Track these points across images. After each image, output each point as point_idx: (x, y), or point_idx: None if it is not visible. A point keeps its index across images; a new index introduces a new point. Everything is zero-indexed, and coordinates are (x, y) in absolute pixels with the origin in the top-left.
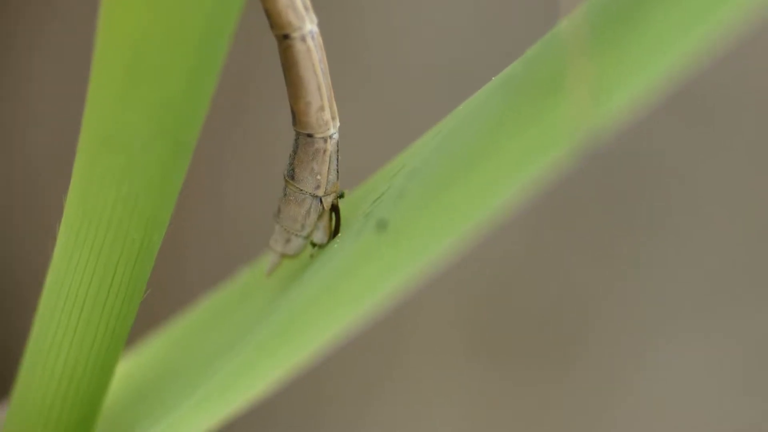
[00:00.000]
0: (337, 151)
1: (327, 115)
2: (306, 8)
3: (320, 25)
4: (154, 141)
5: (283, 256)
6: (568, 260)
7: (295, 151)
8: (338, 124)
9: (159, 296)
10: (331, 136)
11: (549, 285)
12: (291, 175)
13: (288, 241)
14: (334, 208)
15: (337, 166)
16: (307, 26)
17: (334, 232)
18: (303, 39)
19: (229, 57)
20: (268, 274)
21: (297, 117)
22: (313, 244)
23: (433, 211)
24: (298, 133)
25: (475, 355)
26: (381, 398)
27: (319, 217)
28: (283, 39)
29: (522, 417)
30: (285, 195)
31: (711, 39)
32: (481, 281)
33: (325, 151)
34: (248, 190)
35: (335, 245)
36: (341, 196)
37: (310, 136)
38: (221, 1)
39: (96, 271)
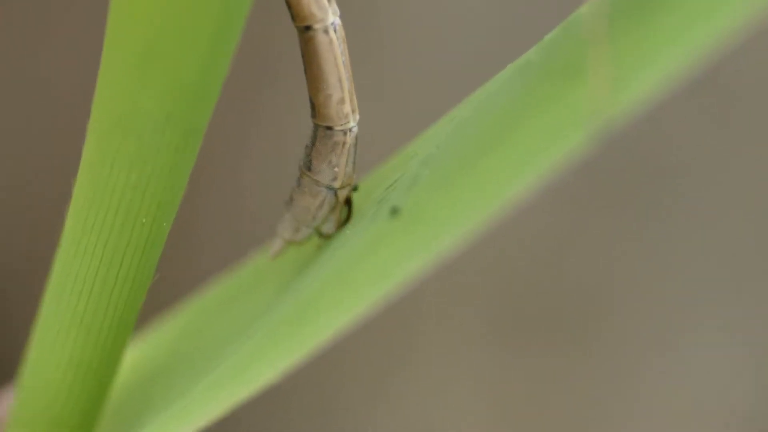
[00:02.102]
0: (356, 144)
1: (347, 107)
2: (328, 0)
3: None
4: (165, 126)
5: (289, 243)
6: (589, 246)
7: (313, 143)
8: (358, 117)
9: (168, 282)
10: (350, 129)
11: (570, 271)
12: (308, 167)
13: (297, 230)
14: (347, 201)
15: (355, 158)
16: (330, 18)
17: (343, 223)
18: (325, 31)
19: (247, 46)
20: (272, 257)
21: (317, 109)
22: (320, 234)
23: (448, 197)
24: (317, 126)
25: (494, 339)
26: (398, 382)
27: (332, 209)
28: (305, 30)
29: (539, 401)
30: (299, 185)
31: (733, 27)
32: (501, 266)
33: (344, 144)
34: (260, 177)
35: (347, 232)
36: (355, 188)
37: (329, 128)
38: None
39: (104, 256)
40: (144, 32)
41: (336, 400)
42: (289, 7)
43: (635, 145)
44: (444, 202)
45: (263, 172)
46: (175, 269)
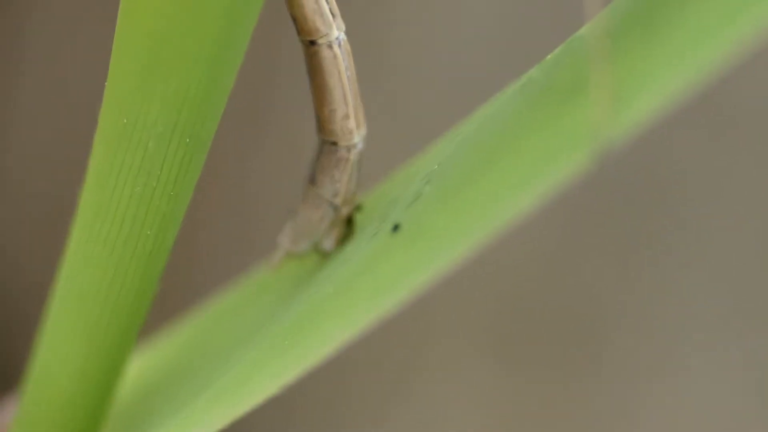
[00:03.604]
0: (360, 161)
1: (352, 123)
2: (334, 14)
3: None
4: (171, 137)
5: (288, 253)
6: (590, 265)
7: (317, 157)
8: (364, 132)
9: (172, 293)
10: (355, 146)
11: (571, 290)
12: (311, 180)
13: (296, 241)
14: (349, 220)
15: (358, 176)
16: (335, 33)
17: (344, 241)
18: (330, 46)
19: (254, 60)
20: (271, 267)
21: (321, 124)
22: (320, 251)
23: (448, 213)
24: (322, 140)
25: (496, 359)
26: (401, 401)
27: (332, 225)
28: (310, 45)
29: (542, 421)
30: (304, 196)
31: (734, 47)
32: (503, 286)
33: (347, 160)
34: (265, 190)
35: (349, 247)
36: (359, 208)
37: (334, 143)
38: None
39: (108, 266)
40: (149, 44)
41: (341, 414)
42: (295, 22)
43: (640, 161)
44: (445, 219)
45: (269, 185)
46: (180, 280)
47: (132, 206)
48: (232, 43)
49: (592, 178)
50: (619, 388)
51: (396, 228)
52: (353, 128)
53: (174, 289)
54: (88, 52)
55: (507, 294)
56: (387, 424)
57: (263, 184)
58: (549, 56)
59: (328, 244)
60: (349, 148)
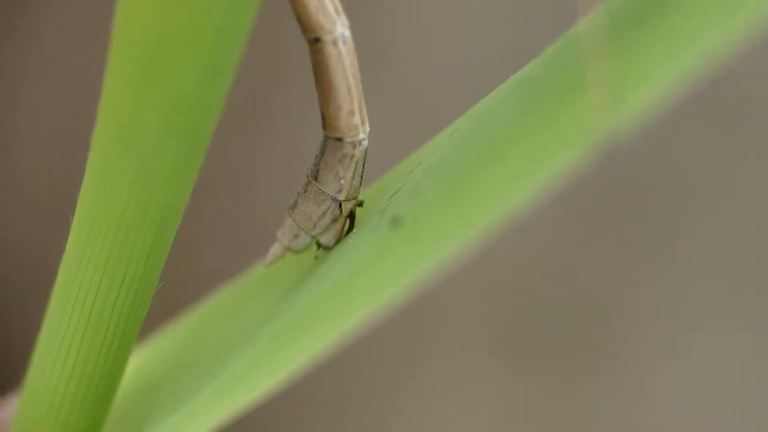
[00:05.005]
0: (364, 158)
1: (357, 119)
2: (337, 11)
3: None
4: (168, 139)
5: (287, 249)
6: (594, 260)
7: (322, 153)
8: (368, 128)
9: (172, 289)
10: (360, 142)
11: (577, 287)
12: (315, 176)
13: (296, 236)
14: (351, 215)
15: (362, 172)
16: (339, 29)
17: (344, 236)
18: (334, 42)
19: (255, 59)
20: (266, 265)
21: (327, 121)
22: (319, 245)
23: (449, 207)
24: (326, 137)
25: (501, 355)
26: (405, 397)
27: (334, 220)
28: (314, 42)
29: (546, 417)
30: (305, 192)
31: (734, 39)
32: (507, 281)
33: (352, 156)
34: (267, 186)
35: (350, 241)
36: (360, 204)
37: (339, 140)
38: None
39: (107, 268)
40: (144, 45)
41: (345, 411)
42: (298, 19)
43: (645, 157)
44: (445, 213)
45: (270, 181)
46: (179, 280)
47: (129, 208)
48: (228, 46)
49: (598, 174)
50: (625, 384)
51: (396, 222)
52: (358, 124)
53: (173, 288)
54: (89, 53)
55: (513, 291)
56: (392, 422)
57: (264, 183)
58: (547, 50)
59: (328, 239)
60: (354, 144)
